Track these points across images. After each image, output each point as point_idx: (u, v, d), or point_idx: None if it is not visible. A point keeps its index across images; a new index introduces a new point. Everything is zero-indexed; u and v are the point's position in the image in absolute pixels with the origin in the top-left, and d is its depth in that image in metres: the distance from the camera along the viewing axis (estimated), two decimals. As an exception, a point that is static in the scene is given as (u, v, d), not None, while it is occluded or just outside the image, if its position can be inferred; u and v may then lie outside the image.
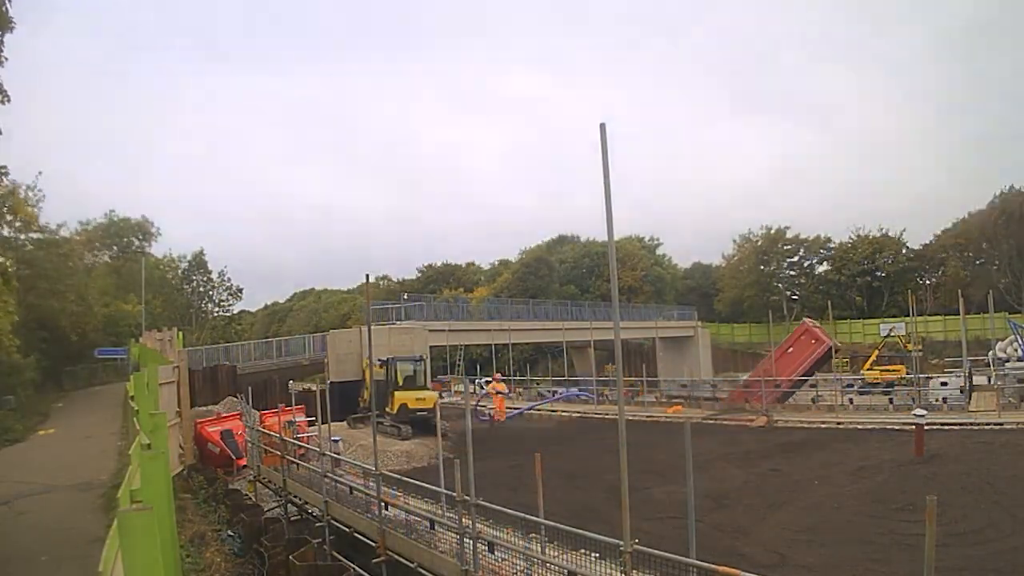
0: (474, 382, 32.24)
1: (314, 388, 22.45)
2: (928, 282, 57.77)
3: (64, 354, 34.74)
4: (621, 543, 5.23)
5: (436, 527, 8.37)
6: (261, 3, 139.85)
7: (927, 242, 58.64)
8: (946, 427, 17.05)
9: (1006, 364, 23.51)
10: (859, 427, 18.86)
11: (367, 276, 10.70)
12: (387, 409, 20.90)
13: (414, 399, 19.96)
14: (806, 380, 25.13)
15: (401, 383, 20.97)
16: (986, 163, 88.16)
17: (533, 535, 7.18)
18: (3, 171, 18.78)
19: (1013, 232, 49.26)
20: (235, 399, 24.22)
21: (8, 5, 16.56)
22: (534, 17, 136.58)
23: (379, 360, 22.44)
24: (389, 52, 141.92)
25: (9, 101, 17.31)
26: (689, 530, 5.46)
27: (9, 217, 28.26)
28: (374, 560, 8.90)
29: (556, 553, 6.72)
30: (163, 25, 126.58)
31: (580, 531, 6.15)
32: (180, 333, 28.72)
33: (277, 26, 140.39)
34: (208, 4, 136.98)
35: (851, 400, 24.06)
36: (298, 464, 13.50)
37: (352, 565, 9.54)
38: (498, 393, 27.20)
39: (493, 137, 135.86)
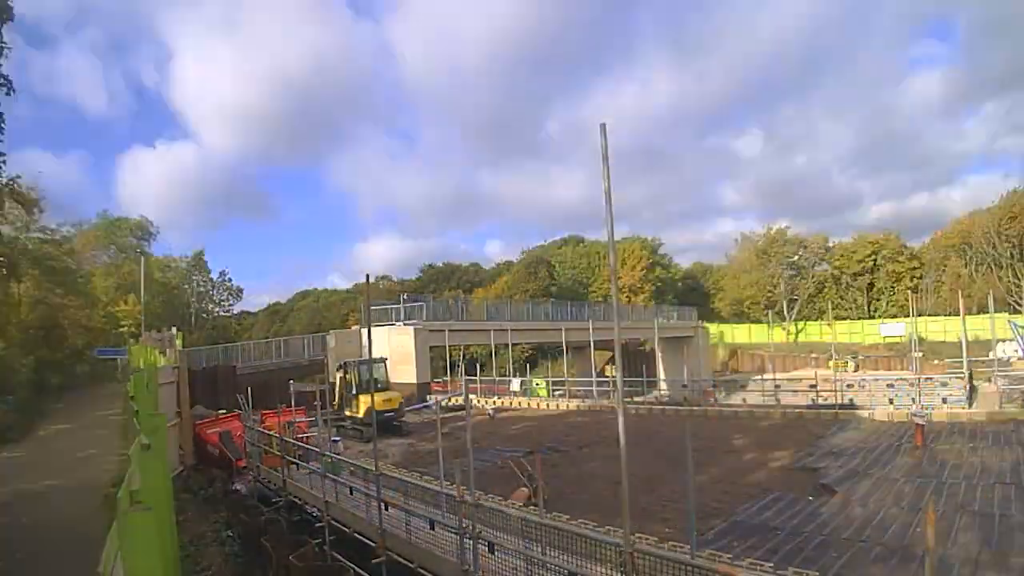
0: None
1: (311, 388, 22.49)
2: (928, 282, 57.84)
3: (64, 354, 34.77)
4: (621, 543, 5.22)
5: (436, 527, 8.35)
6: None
7: (927, 239, 58.91)
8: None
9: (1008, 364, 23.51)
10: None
11: (367, 276, 10.63)
12: (348, 412, 21.42)
13: (380, 400, 19.55)
14: None
15: (363, 385, 20.93)
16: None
17: (533, 535, 7.15)
18: (2, 158, 18.40)
19: (1014, 234, 49.36)
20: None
21: None
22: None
23: (340, 363, 23.08)
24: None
25: (14, 92, 17.15)
26: (690, 528, 5.45)
27: (17, 208, 27.91)
28: (374, 560, 8.88)
29: (556, 553, 6.70)
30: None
31: (580, 531, 6.14)
32: (180, 333, 28.72)
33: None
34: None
35: (851, 400, 24.04)
36: (298, 464, 13.47)
37: (352, 565, 9.51)
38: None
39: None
